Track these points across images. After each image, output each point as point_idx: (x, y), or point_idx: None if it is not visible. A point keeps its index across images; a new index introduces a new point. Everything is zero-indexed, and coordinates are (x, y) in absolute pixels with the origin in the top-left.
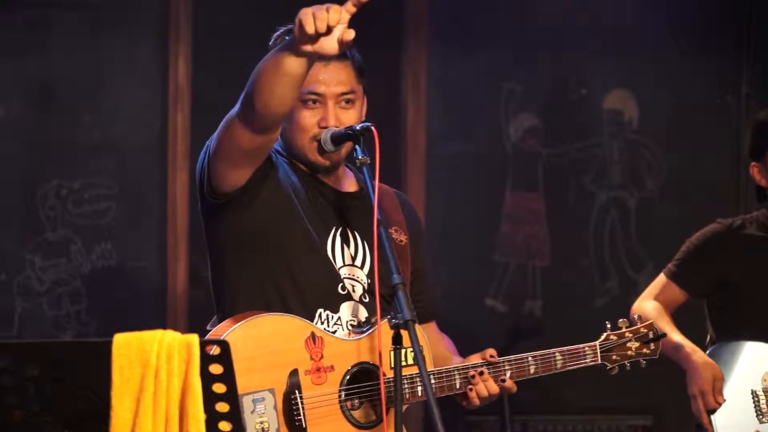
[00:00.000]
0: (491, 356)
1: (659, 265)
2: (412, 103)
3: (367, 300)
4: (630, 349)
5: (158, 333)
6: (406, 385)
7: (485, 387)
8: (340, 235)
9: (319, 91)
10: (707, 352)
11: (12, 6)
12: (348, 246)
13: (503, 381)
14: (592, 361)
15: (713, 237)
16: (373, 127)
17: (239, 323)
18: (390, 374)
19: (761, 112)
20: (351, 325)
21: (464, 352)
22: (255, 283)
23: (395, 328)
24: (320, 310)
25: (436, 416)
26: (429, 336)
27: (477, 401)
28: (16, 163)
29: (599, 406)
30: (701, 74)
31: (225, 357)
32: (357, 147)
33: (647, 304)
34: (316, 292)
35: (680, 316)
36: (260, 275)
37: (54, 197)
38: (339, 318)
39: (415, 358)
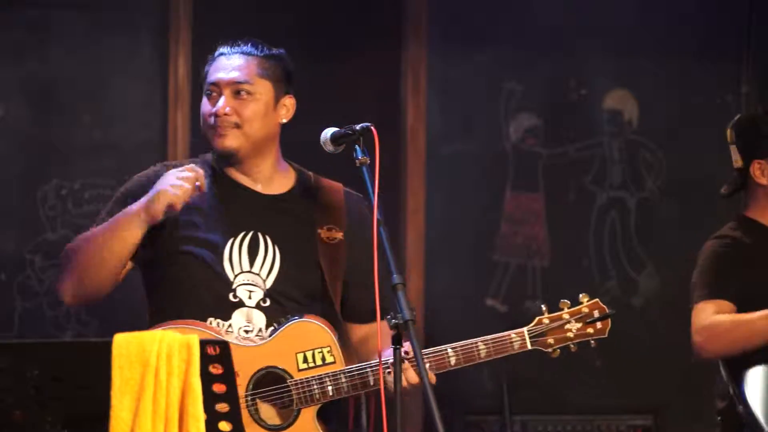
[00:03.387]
0: (405, 352)
1: (659, 265)
2: (412, 103)
3: (266, 304)
4: (569, 331)
5: (158, 333)
6: (315, 385)
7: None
8: (249, 240)
9: (214, 80)
10: (747, 373)
11: (12, 6)
12: (254, 251)
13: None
14: (521, 348)
15: (720, 252)
16: (372, 128)
17: None
18: (297, 377)
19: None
20: (245, 330)
21: None
22: (158, 299)
23: (395, 328)
24: (210, 318)
25: (435, 413)
26: (360, 336)
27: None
28: (16, 163)
29: (599, 406)
30: (701, 74)
31: (225, 357)
32: (357, 147)
33: (717, 317)
34: (206, 302)
35: (680, 319)
36: (162, 291)
37: (54, 197)
38: (230, 325)
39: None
